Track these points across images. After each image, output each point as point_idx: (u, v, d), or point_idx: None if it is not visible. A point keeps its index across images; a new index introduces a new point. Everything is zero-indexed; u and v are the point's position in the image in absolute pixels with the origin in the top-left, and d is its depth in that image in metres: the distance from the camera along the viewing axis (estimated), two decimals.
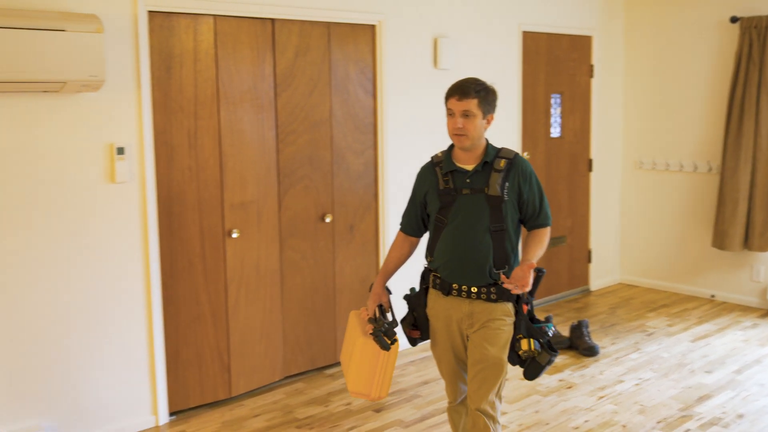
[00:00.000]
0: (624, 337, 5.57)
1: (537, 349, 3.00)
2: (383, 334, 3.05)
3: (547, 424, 4.15)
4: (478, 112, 2.97)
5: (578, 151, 6.61)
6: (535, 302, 6.27)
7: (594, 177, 6.76)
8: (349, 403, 4.41)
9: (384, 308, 3.19)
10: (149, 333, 4.10)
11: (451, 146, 3.12)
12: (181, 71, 4.13)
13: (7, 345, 3.65)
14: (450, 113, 3.01)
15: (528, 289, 2.86)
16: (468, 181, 3.04)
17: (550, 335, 3.06)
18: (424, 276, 3.20)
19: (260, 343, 4.59)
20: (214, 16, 4.21)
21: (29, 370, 3.72)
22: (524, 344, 3.00)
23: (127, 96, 3.92)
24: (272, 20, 4.46)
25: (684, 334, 5.62)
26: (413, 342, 3.24)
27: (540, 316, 5.99)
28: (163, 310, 4.16)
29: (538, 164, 6.25)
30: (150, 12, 3.98)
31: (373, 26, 4.97)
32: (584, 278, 6.85)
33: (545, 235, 3.10)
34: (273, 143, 4.53)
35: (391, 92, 5.08)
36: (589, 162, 6.71)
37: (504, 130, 5.85)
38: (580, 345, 5.24)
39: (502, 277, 2.94)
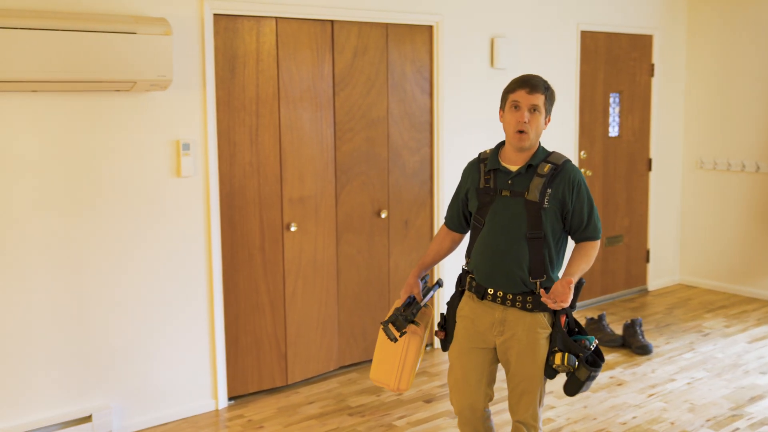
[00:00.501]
0: (679, 336, 5.56)
1: (572, 365, 2.82)
2: (392, 324, 3.00)
3: (595, 419, 4.20)
4: (543, 110, 2.88)
5: (637, 150, 6.60)
6: (590, 301, 6.33)
7: (653, 176, 6.73)
8: (400, 394, 4.55)
9: (416, 299, 3.11)
10: (210, 321, 4.30)
11: (500, 144, 3.03)
12: (244, 71, 4.32)
13: (81, 330, 3.90)
14: (515, 105, 2.87)
15: (567, 305, 2.75)
16: (509, 182, 2.91)
17: (592, 349, 2.87)
18: (461, 278, 3.10)
19: (316, 334, 4.76)
20: (276, 18, 4.39)
21: (100, 353, 3.96)
22: (558, 358, 2.84)
23: (193, 95, 4.12)
24: (332, 22, 4.62)
25: (741, 335, 5.57)
26: (443, 345, 3.15)
27: (594, 314, 6.02)
28: (224, 299, 4.36)
29: (595, 163, 6.27)
30: (215, 15, 4.18)
31: (430, 27, 5.08)
32: (642, 278, 6.83)
33: (593, 249, 2.94)
34: (331, 141, 4.69)
35: (448, 91, 5.18)
36: (649, 161, 6.69)
37: (561, 129, 5.89)
38: (633, 343, 5.25)
39: (541, 291, 2.83)
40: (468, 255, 3.06)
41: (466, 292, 3.06)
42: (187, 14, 4.06)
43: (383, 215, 4.96)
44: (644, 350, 5.19)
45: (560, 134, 5.90)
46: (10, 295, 3.69)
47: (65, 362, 3.87)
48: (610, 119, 6.37)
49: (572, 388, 2.90)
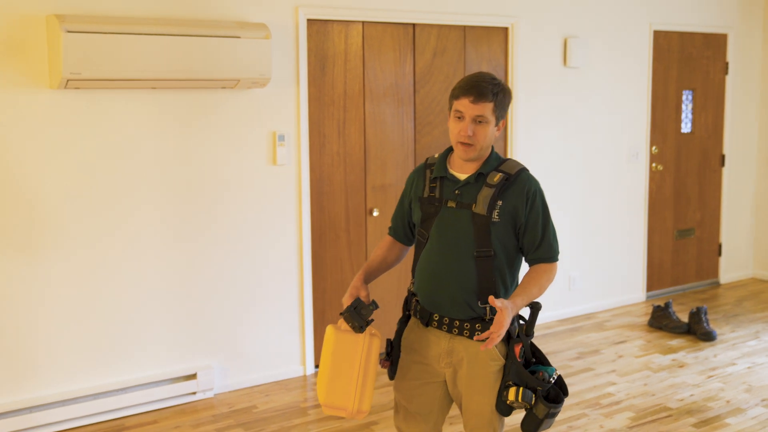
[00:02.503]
0: (745, 326, 5.75)
1: (527, 401, 2.46)
2: (354, 310, 2.54)
3: (653, 395, 4.48)
4: (492, 119, 2.51)
5: (710, 146, 6.77)
6: (660, 291, 6.54)
7: (726, 172, 6.88)
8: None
9: (363, 302, 2.60)
10: (300, 294, 4.78)
11: (450, 148, 2.66)
12: (333, 70, 4.78)
13: (188, 300, 4.43)
14: (458, 116, 2.51)
15: (500, 338, 2.37)
16: (456, 192, 2.56)
17: (552, 382, 2.50)
18: (407, 301, 2.72)
19: (396, 310, 5.17)
20: (363, 22, 4.84)
21: (205, 320, 4.49)
22: (511, 393, 2.47)
23: (288, 91, 4.61)
24: (413, 25, 5.03)
25: None
26: (390, 374, 2.73)
27: (661, 302, 6.23)
28: (313, 275, 4.83)
29: (667, 158, 6.49)
30: (309, 20, 4.65)
31: (506, 28, 5.44)
32: (713, 271, 6.99)
33: (546, 272, 2.55)
34: (411, 133, 5.11)
35: (521, 89, 5.52)
36: (722, 157, 6.85)
37: (633, 125, 6.14)
38: (698, 330, 5.48)
39: (475, 337, 2.47)
40: (413, 274, 2.70)
41: (412, 317, 2.71)
42: (284, 20, 4.54)
43: None
44: (708, 337, 5.41)
45: (632, 131, 6.15)
46: (128, 268, 4.24)
47: (174, 327, 4.41)
48: (683, 116, 6.57)
49: (530, 425, 2.51)
